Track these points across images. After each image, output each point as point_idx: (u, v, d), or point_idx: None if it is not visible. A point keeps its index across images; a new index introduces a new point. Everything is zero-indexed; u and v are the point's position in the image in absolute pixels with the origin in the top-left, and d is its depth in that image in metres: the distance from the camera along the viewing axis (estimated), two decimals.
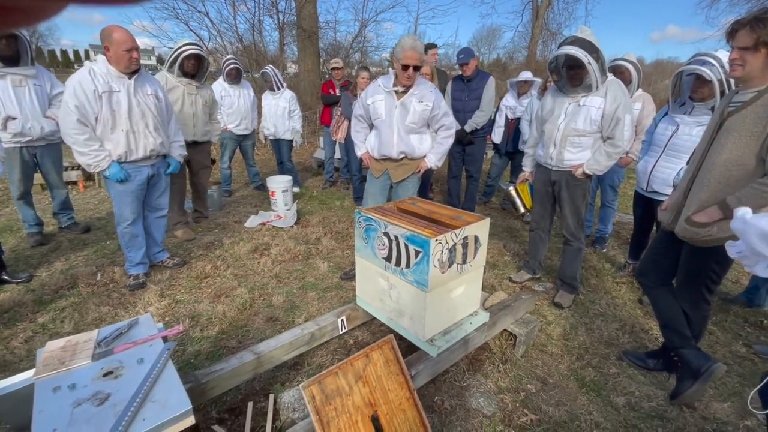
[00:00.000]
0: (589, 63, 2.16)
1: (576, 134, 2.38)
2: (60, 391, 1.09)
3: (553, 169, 2.54)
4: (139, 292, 2.70)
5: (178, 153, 2.87)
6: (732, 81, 2.22)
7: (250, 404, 1.72)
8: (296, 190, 5.21)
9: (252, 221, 4.01)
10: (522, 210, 3.70)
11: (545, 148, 2.55)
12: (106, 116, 2.39)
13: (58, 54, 62.91)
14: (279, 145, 5.00)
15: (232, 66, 4.40)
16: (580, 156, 2.42)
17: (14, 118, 2.93)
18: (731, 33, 1.48)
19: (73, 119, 2.29)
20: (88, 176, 5.23)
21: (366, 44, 11.60)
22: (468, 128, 3.84)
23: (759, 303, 2.62)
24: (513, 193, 3.59)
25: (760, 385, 1.39)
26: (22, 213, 3.30)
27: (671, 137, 2.50)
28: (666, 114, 2.60)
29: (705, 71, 2.22)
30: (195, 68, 3.34)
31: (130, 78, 2.44)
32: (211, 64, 10.04)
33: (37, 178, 3.42)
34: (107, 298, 2.62)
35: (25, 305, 2.50)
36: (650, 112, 3.10)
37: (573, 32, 2.39)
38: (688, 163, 2.35)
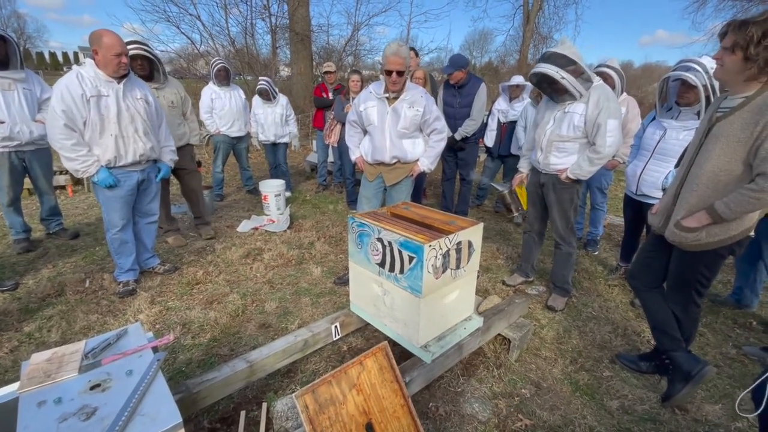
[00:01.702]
0: (563, 78, 2.20)
1: (560, 140, 2.42)
2: (45, 406, 1.06)
3: (542, 172, 2.58)
4: (128, 299, 2.65)
5: (169, 158, 2.83)
6: (717, 86, 2.26)
7: (243, 413, 1.69)
8: (288, 194, 5.19)
9: (244, 226, 3.97)
10: (516, 213, 3.73)
11: (535, 152, 2.59)
12: (94, 121, 2.35)
13: (47, 56, 62.09)
14: (275, 149, 4.99)
15: (220, 66, 4.37)
16: (565, 161, 2.46)
17: (2, 122, 2.88)
18: (724, 33, 1.50)
19: (60, 124, 2.25)
20: (77, 181, 5.15)
21: (359, 48, 11.62)
22: (458, 136, 3.85)
23: (747, 303, 2.66)
24: (508, 195, 3.62)
25: (751, 387, 1.40)
26: (9, 219, 3.24)
27: (659, 141, 2.54)
28: (654, 118, 2.64)
29: (690, 77, 2.25)
30: (145, 69, 3.04)
31: (119, 82, 2.40)
32: (203, 67, 9.99)
33: (24, 183, 3.35)
34: (96, 305, 2.58)
35: (10, 314, 2.45)
36: (635, 116, 3.14)
37: (564, 35, 2.42)
38: (676, 166, 2.38)
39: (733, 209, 1.51)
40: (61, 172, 4.90)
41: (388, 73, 2.39)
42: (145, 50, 2.98)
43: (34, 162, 3.18)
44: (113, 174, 2.47)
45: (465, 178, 4.21)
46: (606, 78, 2.98)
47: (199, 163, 3.79)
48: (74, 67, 2.37)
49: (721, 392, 1.99)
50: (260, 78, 4.82)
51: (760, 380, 1.35)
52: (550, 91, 2.38)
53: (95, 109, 2.34)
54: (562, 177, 2.46)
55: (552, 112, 2.45)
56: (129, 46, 2.92)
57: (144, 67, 3.05)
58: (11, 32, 3.00)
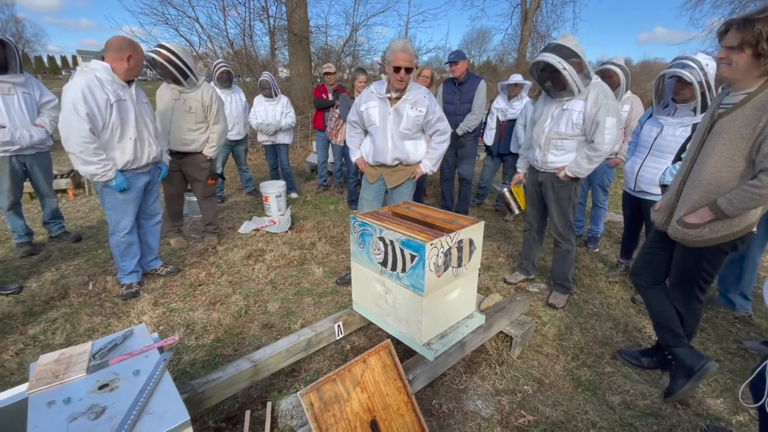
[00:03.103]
0: (564, 68, 2.20)
1: (558, 137, 2.43)
2: (55, 406, 1.07)
3: (540, 170, 2.59)
4: (132, 301, 2.66)
5: (167, 158, 2.87)
6: (712, 83, 2.28)
7: (248, 413, 1.70)
8: (295, 195, 5.20)
9: (246, 227, 3.98)
10: (516, 211, 3.73)
11: (533, 150, 2.60)
12: (115, 124, 2.38)
13: (45, 60, 62.13)
14: (277, 150, 5.01)
15: (223, 69, 4.38)
16: (563, 159, 2.46)
17: (3, 127, 2.90)
18: (723, 32, 1.51)
19: (85, 127, 2.24)
20: (78, 184, 5.17)
21: (357, 48, 11.63)
22: (459, 132, 3.87)
23: (738, 308, 2.60)
24: (507, 194, 3.63)
25: (750, 378, 1.42)
26: (11, 223, 3.25)
27: (656, 138, 2.55)
28: (650, 116, 2.65)
29: (685, 74, 2.27)
30: (173, 73, 3.02)
31: (130, 86, 2.47)
32: (202, 69, 10.02)
33: (26, 186, 3.36)
34: (100, 308, 2.59)
35: (15, 317, 2.46)
36: (638, 114, 3.15)
37: (562, 33, 2.43)
38: (673, 162, 2.39)
39: (735, 205, 1.52)
40: (61, 176, 4.91)
41: (396, 69, 2.34)
42: (160, 56, 2.97)
43: (34, 166, 3.20)
44: (126, 178, 2.52)
45: (464, 178, 4.22)
46: (611, 75, 2.99)
47: (216, 176, 3.55)
48: (83, 68, 2.35)
49: (722, 386, 2.00)
50: (263, 72, 4.85)
51: (756, 372, 1.36)
52: (549, 83, 2.38)
53: (117, 113, 2.37)
54: (561, 175, 2.47)
55: (549, 109, 2.45)
56: (160, 50, 2.99)
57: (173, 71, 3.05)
58: (9, 36, 3.00)
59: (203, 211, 3.61)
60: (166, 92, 3.18)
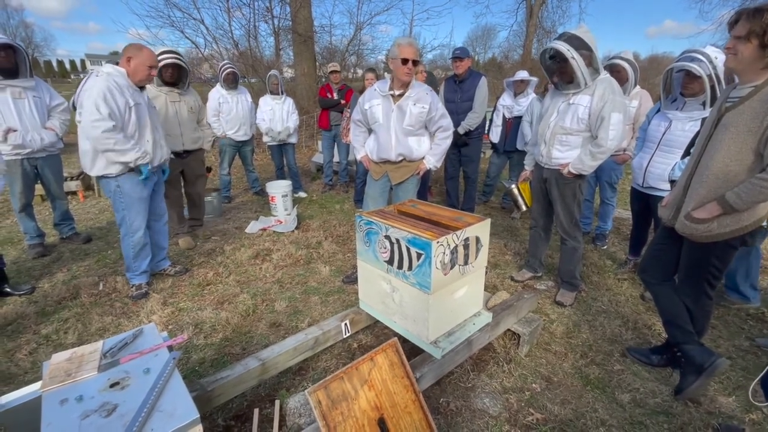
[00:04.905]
0: (573, 58, 2.18)
1: (563, 132, 2.41)
2: (67, 404, 1.09)
3: (545, 167, 2.57)
4: (141, 301, 2.70)
5: (168, 159, 2.92)
6: (722, 76, 2.24)
7: (256, 411, 1.72)
8: (303, 195, 5.23)
9: (252, 227, 4.01)
10: (523, 208, 3.72)
11: (538, 146, 2.59)
12: (133, 127, 2.46)
13: (55, 64, 63.03)
14: (284, 149, 5.04)
15: (229, 70, 4.42)
16: (568, 155, 2.44)
17: (15, 130, 2.94)
18: (734, 22, 1.49)
19: (109, 125, 2.30)
20: (88, 186, 5.24)
21: (362, 47, 11.64)
22: (461, 130, 3.85)
23: (756, 299, 2.57)
24: (514, 191, 3.61)
25: (761, 375, 1.40)
26: (23, 225, 3.31)
27: (665, 133, 2.52)
28: (658, 110, 2.62)
29: (694, 67, 2.23)
30: (173, 77, 3.23)
31: (142, 90, 2.54)
32: (207, 71, 10.08)
33: (37, 189, 3.42)
34: (110, 307, 2.62)
35: (28, 317, 2.50)
36: (647, 109, 3.11)
37: (567, 29, 2.42)
38: (682, 157, 2.36)
39: (744, 199, 1.50)
40: (71, 178, 4.98)
41: (404, 61, 2.38)
42: (179, 60, 3.16)
43: (45, 168, 3.25)
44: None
45: (469, 176, 4.19)
46: (619, 70, 2.95)
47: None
48: (99, 72, 2.39)
49: (734, 384, 1.98)
50: (272, 69, 4.92)
51: (766, 369, 1.34)
52: (557, 74, 2.36)
53: (135, 116, 2.44)
54: (564, 172, 2.45)
55: (556, 104, 2.44)
56: (163, 56, 3.11)
57: (173, 74, 3.21)
58: (20, 41, 3.07)
59: (202, 208, 3.81)
60: (158, 96, 3.20)
